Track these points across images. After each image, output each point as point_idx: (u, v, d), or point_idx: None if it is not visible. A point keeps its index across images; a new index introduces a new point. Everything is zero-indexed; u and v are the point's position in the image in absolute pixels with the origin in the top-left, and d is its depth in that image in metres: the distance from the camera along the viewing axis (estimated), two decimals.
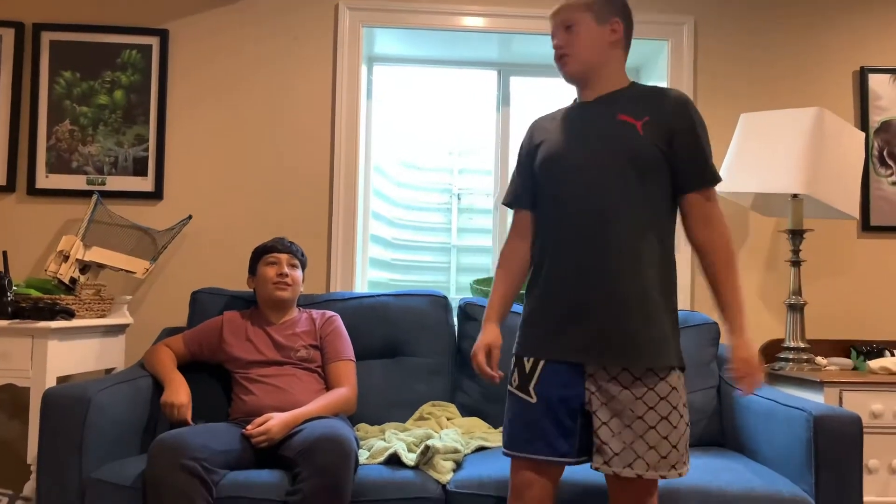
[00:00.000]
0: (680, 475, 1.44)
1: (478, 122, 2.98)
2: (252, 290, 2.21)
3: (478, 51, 2.87)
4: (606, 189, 1.45)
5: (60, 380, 2.25)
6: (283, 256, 2.16)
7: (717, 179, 1.52)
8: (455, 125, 2.99)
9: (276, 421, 1.82)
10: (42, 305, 2.06)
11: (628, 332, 1.42)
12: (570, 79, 1.55)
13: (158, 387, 2.07)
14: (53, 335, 2.05)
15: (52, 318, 2.06)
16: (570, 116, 1.55)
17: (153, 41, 2.62)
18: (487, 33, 2.71)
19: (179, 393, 1.98)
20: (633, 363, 1.42)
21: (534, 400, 1.47)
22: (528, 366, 1.50)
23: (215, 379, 2.18)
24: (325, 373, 2.10)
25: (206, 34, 2.66)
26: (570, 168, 1.49)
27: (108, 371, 2.42)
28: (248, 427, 1.82)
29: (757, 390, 1.55)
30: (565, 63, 1.53)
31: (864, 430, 2.09)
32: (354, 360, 2.14)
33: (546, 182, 1.53)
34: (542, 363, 1.49)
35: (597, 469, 1.46)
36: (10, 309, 2.06)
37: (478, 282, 2.67)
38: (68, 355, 2.14)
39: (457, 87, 3.00)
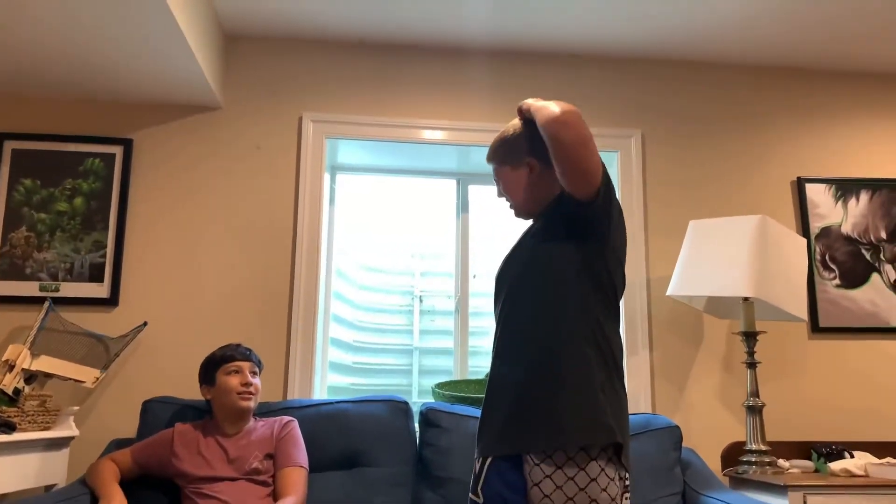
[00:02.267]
0: None
1: (439, 227, 3.05)
2: (206, 400, 2.14)
3: (437, 161, 2.97)
4: (506, 296, 1.56)
5: None
6: (245, 364, 2.12)
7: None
8: (416, 229, 3.06)
9: None
10: None
11: (494, 418, 1.48)
12: (521, 218, 1.68)
13: None
14: None
15: None
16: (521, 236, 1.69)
17: (117, 150, 2.66)
18: (446, 146, 2.82)
19: None
20: (489, 450, 1.45)
21: (481, 501, 1.47)
22: (477, 466, 1.51)
23: (162, 493, 2.07)
24: (275, 479, 2.02)
25: (170, 143, 2.71)
26: (497, 284, 1.63)
27: (49, 488, 2.28)
28: None
29: None
30: (513, 210, 1.68)
31: None
32: (306, 466, 2.06)
33: (495, 298, 1.67)
34: (488, 460, 1.48)
35: None
36: None
37: (440, 385, 2.64)
38: (6, 472, 2.02)
39: (418, 194, 3.08)
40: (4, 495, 2.27)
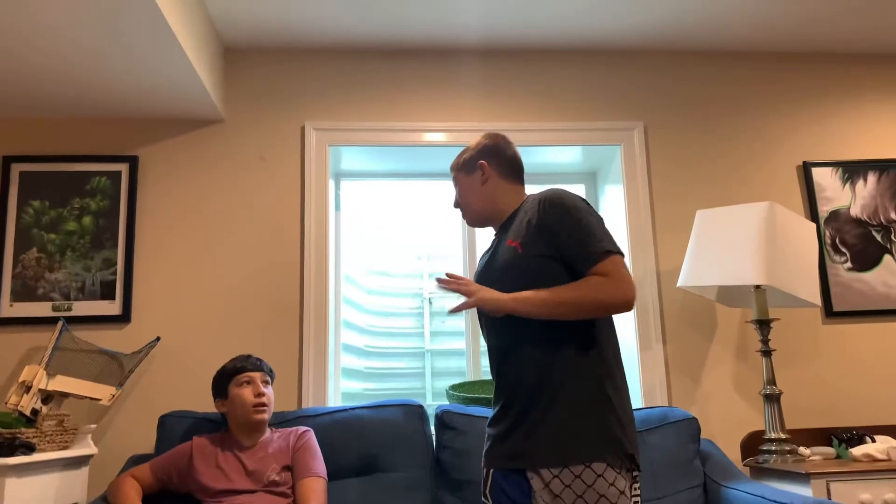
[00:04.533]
0: None
1: (444, 228, 3.05)
2: (221, 413, 2.15)
3: (440, 163, 2.97)
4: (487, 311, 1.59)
5: None
6: (256, 375, 2.11)
7: (600, 255, 1.49)
8: (422, 231, 3.06)
9: None
10: (1, 441, 1.98)
11: (513, 435, 1.51)
12: (473, 226, 1.78)
13: None
14: (12, 472, 1.95)
15: (10, 454, 1.97)
16: (488, 250, 1.75)
17: (122, 167, 2.67)
18: (448, 147, 2.82)
19: None
20: (518, 463, 1.48)
21: (490, 503, 1.55)
22: (484, 471, 1.59)
23: None
24: (294, 490, 2.02)
25: (175, 158, 2.72)
26: None
27: None
28: None
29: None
30: (463, 217, 1.78)
31: None
32: (325, 476, 2.06)
33: (478, 312, 1.72)
34: (491, 470, 1.57)
35: None
36: None
37: (454, 387, 2.64)
38: (28, 492, 2.03)
39: (423, 196, 3.08)
40: None
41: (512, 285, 1.56)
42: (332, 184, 2.84)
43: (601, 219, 1.58)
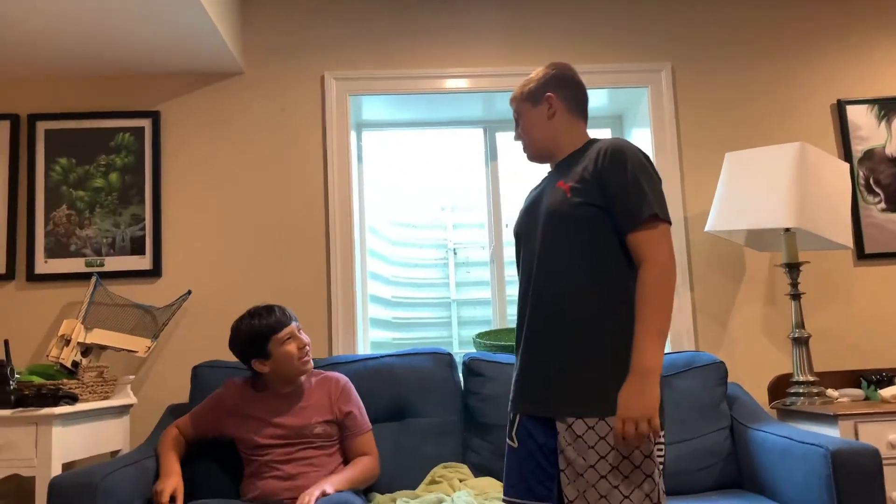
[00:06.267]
0: None
1: (468, 177, 3.03)
2: (264, 372, 2.08)
3: (463, 110, 2.93)
4: (537, 254, 1.57)
5: (66, 466, 2.22)
6: (294, 327, 2.09)
7: (639, 218, 1.46)
8: (446, 182, 3.04)
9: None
10: (45, 392, 2.05)
11: (542, 381, 1.51)
12: (534, 161, 1.70)
13: None
14: (57, 421, 2.03)
15: (55, 404, 2.04)
16: (538, 186, 1.69)
17: (145, 123, 2.68)
18: (470, 94, 2.77)
19: (164, 478, 1.96)
20: (546, 411, 1.49)
21: (516, 445, 1.56)
22: (511, 415, 1.61)
23: (225, 454, 2.14)
24: (347, 446, 2.09)
25: (197, 112, 2.72)
26: (521, 239, 1.65)
27: (114, 454, 2.39)
28: None
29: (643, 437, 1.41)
30: (524, 151, 1.69)
31: (883, 461, 2.07)
32: (371, 428, 2.14)
33: (516, 249, 1.69)
34: (518, 415, 1.58)
35: None
36: (12, 397, 2.04)
37: (480, 335, 2.66)
38: (73, 441, 2.12)
39: (445, 145, 3.05)
40: (74, 462, 2.39)
41: (553, 231, 1.53)
42: (353, 135, 2.82)
43: (659, 180, 1.52)
